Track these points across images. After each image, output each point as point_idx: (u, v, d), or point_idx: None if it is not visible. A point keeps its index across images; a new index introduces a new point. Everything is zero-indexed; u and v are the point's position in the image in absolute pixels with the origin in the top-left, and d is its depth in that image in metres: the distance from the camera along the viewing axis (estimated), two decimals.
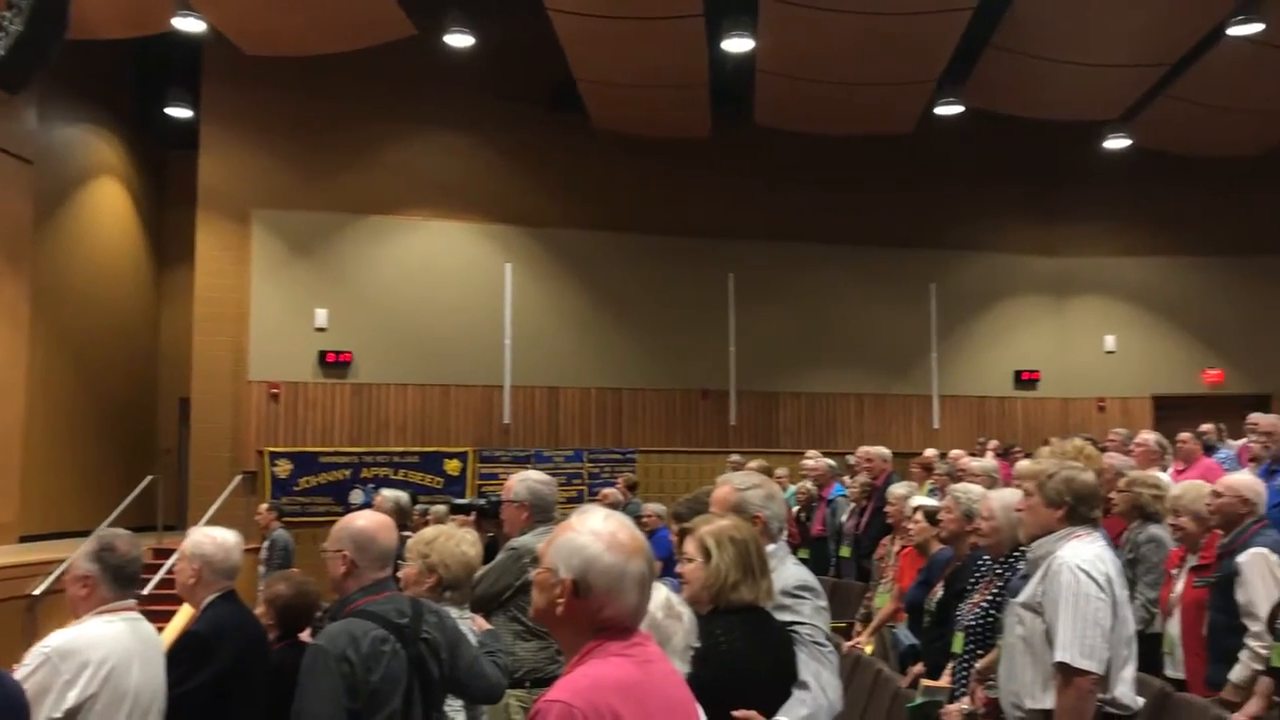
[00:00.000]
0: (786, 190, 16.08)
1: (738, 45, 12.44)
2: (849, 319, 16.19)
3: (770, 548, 3.34)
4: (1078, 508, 3.55)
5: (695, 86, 13.53)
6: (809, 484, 10.00)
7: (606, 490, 11.32)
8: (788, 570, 3.39)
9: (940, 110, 14.52)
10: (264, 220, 14.65)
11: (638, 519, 9.33)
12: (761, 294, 16.04)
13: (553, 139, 15.31)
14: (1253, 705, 4.04)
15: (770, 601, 3.18)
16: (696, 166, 15.64)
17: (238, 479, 13.97)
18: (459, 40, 13.02)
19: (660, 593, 2.67)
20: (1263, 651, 4.17)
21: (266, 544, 10.09)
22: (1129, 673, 3.48)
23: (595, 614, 2.07)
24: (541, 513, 4.60)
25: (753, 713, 3.01)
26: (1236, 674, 4.31)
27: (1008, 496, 4.50)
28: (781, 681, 3.14)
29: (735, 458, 11.78)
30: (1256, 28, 11.76)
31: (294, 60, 13.85)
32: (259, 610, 4.23)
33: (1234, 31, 11.90)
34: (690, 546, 3.18)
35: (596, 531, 2.11)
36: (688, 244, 15.85)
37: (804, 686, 3.14)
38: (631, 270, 15.69)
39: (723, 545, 3.15)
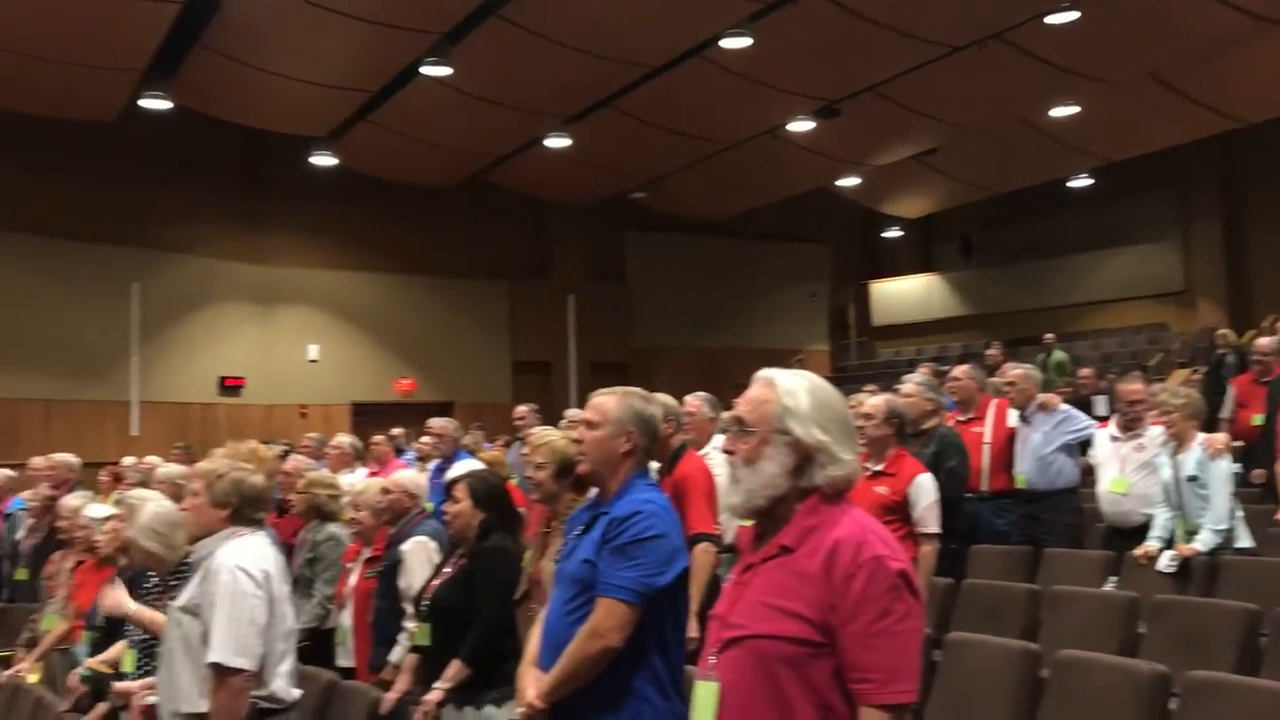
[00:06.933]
0: None
1: None
2: (33, 317, 14.65)
3: None
4: (243, 509, 3.61)
5: None
6: None
7: None
8: None
9: (147, 103, 13.87)
10: None
11: None
12: None
13: None
14: (401, 682, 4.43)
15: None
16: None
17: None
18: None
19: None
20: (414, 629, 4.58)
21: None
22: (286, 666, 3.60)
23: None
24: None
25: None
26: (396, 655, 4.69)
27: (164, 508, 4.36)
28: None
29: None
30: (446, 71, 13.03)
31: None
32: None
33: (426, 71, 13.05)
34: None
35: None
36: None
37: None
38: None
39: None
